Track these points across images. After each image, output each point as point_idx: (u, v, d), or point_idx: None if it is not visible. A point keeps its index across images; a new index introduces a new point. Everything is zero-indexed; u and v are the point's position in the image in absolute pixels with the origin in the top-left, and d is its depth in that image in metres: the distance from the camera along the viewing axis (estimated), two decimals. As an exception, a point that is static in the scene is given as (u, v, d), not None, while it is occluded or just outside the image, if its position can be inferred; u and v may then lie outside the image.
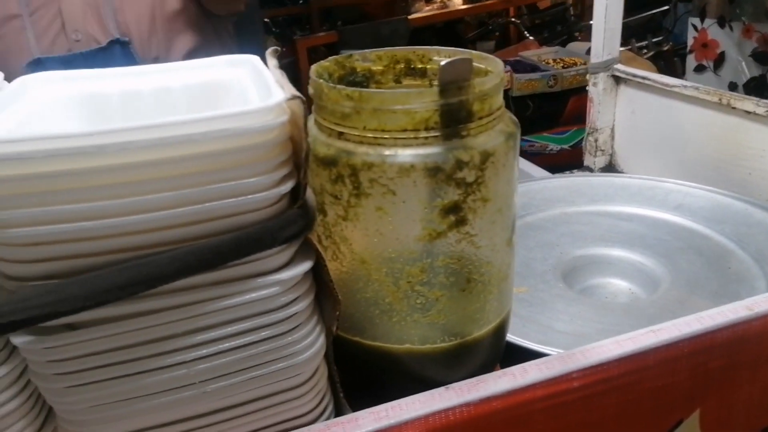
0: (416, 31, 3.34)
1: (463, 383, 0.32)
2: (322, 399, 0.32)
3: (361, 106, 0.30)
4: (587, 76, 0.99)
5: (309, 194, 0.29)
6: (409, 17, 3.21)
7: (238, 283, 0.27)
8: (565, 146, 2.19)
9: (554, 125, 2.24)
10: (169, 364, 0.26)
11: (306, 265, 0.28)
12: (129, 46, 0.87)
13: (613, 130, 1.00)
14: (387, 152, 0.30)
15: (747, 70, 1.47)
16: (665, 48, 2.43)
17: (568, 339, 0.54)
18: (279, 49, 0.37)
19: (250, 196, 0.26)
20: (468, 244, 0.33)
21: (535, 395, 0.33)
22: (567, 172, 0.98)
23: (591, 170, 1.03)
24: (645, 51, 2.47)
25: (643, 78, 0.91)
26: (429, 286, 0.33)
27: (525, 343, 0.50)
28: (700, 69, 1.58)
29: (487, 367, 0.38)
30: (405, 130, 0.30)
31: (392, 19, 3.01)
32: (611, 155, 1.02)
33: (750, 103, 0.74)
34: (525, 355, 0.51)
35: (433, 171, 0.30)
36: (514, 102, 2.19)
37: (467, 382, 0.32)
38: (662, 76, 0.89)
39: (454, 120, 0.31)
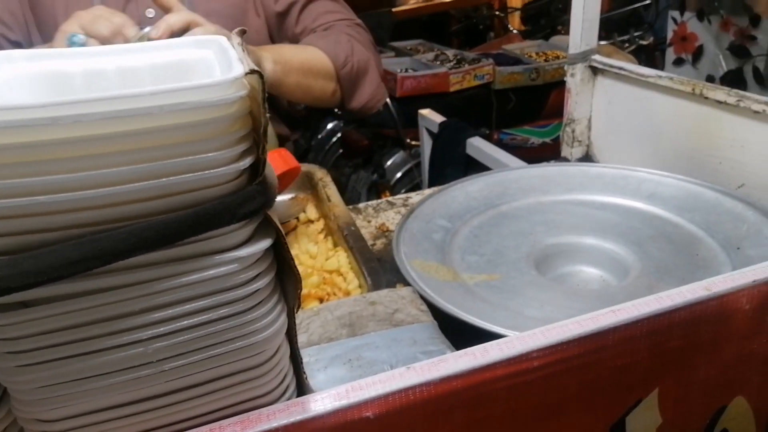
0: (402, 24, 3.34)
1: (424, 363, 0.33)
2: (284, 378, 0.32)
3: None
4: (565, 67, 1.00)
5: (268, 171, 0.28)
6: (394, 10, 3.20)
7: (196, 260, 0.27)
8: (547, 139, 2.21)
9: (536, 118, 2.25)
10: (125, 343, 0.26)
11: (266, 242, 0.28)
12: None
13: (590, 120, 1.01)
14: None
15: (724, 63, 1.49)
16: (647, 42, 2.45)
17: (537, 324, 0.54)
18: (245, 29, 0.37)
19: (208, 171, 0.26)
20: None
21: (496, 374, 0.33)
22: (544, 162, 0.99)
23: (568, 161, 1.04)
24: (627, 45, 2.49)
25: (620, 69, 0.91)
26: None
27: (493, 327, 0.51)
28: (678, 62, 1.60)
29: None
30: None
31: (376, 12, 3.01)
32: (588, 146, 1.03)
33: (722, 93, 0.75)
34: (493, 339, 0.51)
35: None
36: (496, 95, 2.20)
37: (428, 362, 0.33)
38: (638, 66, 0.90)
39: None
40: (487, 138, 2.24)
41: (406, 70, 2.16)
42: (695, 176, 0.76)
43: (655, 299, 0.36)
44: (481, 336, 0.52)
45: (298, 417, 0.30)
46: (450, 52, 2.31)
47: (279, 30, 0.97)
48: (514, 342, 0.34)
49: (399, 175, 2.26)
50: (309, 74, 0.87)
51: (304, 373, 0.34)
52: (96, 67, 0.37)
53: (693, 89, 0.79)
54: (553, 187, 0.80)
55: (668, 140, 0.86)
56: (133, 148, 0.25)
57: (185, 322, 0.27)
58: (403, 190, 2.22)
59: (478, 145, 1.27)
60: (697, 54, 1.53)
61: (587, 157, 1.03)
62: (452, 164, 1.36)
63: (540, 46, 2.45)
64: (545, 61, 2.24)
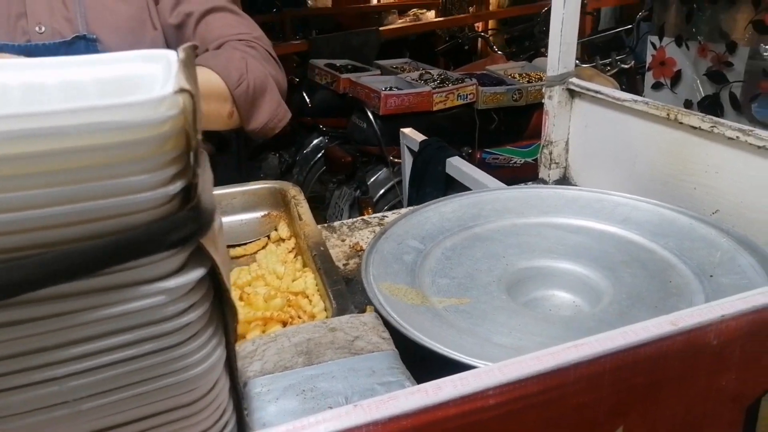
0: (389, 43, 3.36)
1: (372, 400, 0.31)
2: (222, 415, 0.30)
3: None
4: (543, 90, 0.99)
5: (206, 195, 0.27)
6: (381, 29, 3.22)
7: (119, 291, 0.25)
8: (529, 159, 2.21)
9: (518, 139, 2.26)
10: (38, 381, 0.24)
11: (197, 273, 0.26)
12: (95, 43, 0.84)
13: (567, 143, 1.01)
14: None
15: (702, 89, 1.50)
16: (628, 66, 2.48)
17: (504, 352, 0.53)
18: (196, 45, 0.35)
19: (134, 196, 0.24)
20: None
21: (449, 413, 0.31)
22: (522, 184, 0.98)
23: (545, 182, 1.03)
24: (609, 68, 2.51)
25: (596, 92, 0.91)
26: None
27: (458, 356, 0.49)
28: (657, 86, 1.61)
29: None
30: None
31: (363, 30, 3.02)
32: (565, 168, 1.02)
33: (696, 119, 0.74)
34: (457, 368, 0.49)
35: None
36: (479, 115, 2.20)
37: (376, 400, 0.31)
38: (614, 90, 0.90)
39: None
40: (470, 157, 2.24)
41: (391, 89, 2.16)
42: (670, 201, 0.76)
43: (619, 334, 0.35)
44: (446, 364, 0.50)
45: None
46: (434, 72, 2.32)
47: (177, 44, 0.91)
48: (469, 378, 0.32)
49: (382, 191, 2.25)
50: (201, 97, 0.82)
51: (245, 408, 0.31)
52: (36, 81, 0.35)
53: (668, 114, 0.78)
54: (528, 210, 0.79)
55: (644, 164, 0.86)
56: (47, 170, 0.23)
57: (106, 358, 0.25)
58: (385, 207, 2.20)
59: (458, 165, 1.26)
60: (676, 79, 1.55)
61: (564, 179, 1.03)
62: (432, 183, 1.35)
63: (524, 68, 2.46)
64: (528, 82, 2.25)
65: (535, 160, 2.31)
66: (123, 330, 0.25)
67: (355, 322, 0.48)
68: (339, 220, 0.88)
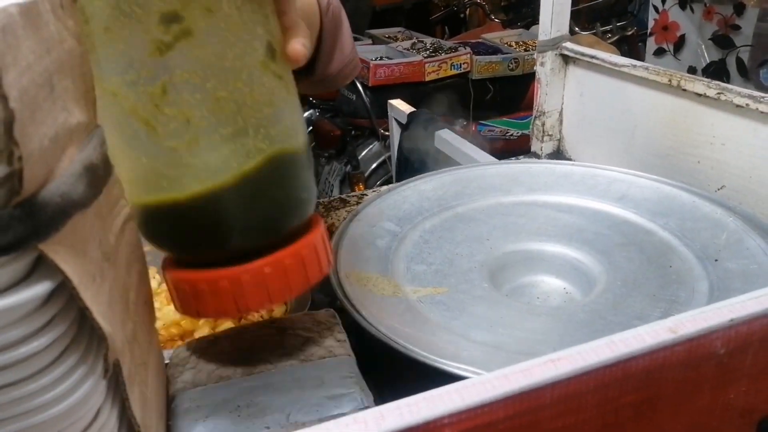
0: (385, 11, 3.25)
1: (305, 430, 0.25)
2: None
3: None
4: (535, 56, 0.92)
5: (55, 185, 0.20)
6: (375, -4, 3.11)
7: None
8: (526, 131, 2.13)
9: (515, 110, 2.18)
10: None
11: (36, 290, 0.19)
12: None
13: (561, 113, 0.94)
14: None
15: (707, 54, 1.42)
16: (629, 32, 2.38)
17: (481, 351, 0.47)
18: None
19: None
20: (202, 58, 0.33)
21: (394, 448, 0.25)
22: (513, 158, 0.91)
23: (538, 156, 0.96)
24: (609, 35, 2.42)
25: (592, 57, 0.84)
26: (176, 107, 0.32)
27: (427, 357, 0.43)
28: (659, 52, 1.53)
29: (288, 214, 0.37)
30: None
31: (353, -4, 2.91)
32: (559, 140, 0.96)
33: (701, 85, 0.67)
34: (426, 371, 0.44)
35: None
36: (473, 85, 2.12)
37: (308, 430, 0.25)
38: (611, 55, 0.82)
39: None
40: (465, 129, 2.17)
41: (381, 59, 2.08)
42: (671, 176, 0.69)
43: (606, 345, 0.29)
44: (415, 366, 0.45)
45: None
46: (428, 41, 2.23)
47: None
48: (420, 404, 0.26)
49: (374, 166, 2.18)
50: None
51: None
52: None
53: (670, 80, 0.71)
54: (516, 187, 0.72)
55: (643, 136, 0.79)
56: None
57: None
58: (378, 183, 2.14)
59: (447, 138, 1.19)
60: (679, 44, 1.46)
61: (558, 153, 0.96)
62: (421, 158, 1.28)
63: (521, 36, 2.37)
64: (525, 50, 2.16)
65: (532, 132, 2.24)
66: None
67: (309, 322, 0.42)
68: (329, 196, 0.81)
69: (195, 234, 0.35)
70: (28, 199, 0.19)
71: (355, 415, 0.26)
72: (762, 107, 0.61)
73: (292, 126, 0.37)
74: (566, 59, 0.89)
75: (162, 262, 0.38)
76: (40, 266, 0.20)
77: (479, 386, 0.27)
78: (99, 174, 0.24)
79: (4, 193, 0.18)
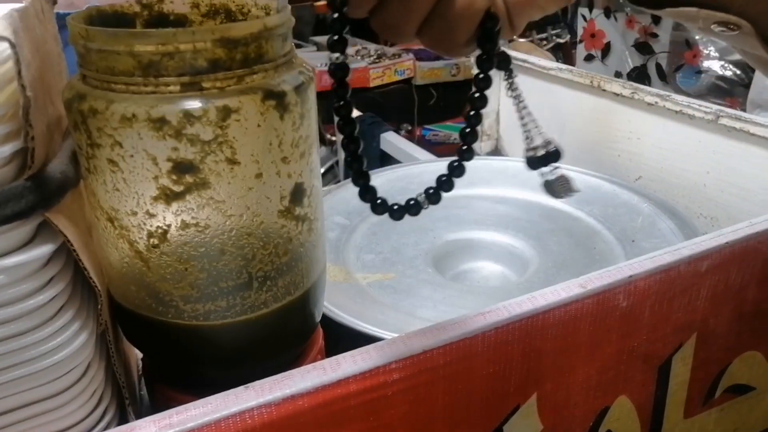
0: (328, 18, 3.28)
1: (266, 381, 0.28)
2: (98, 405, 0.27)
3: (88, 44, 0.26)
4: (472, 59, 0.98)
5: (57, 165, 0.23)
6: (316, 4, 3.14)
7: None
8: (468, 135, 2.21)
9: (458, 114, 2.25)
10: None
11: (43, 250, 0.23)
12: None
13: (498, 114, 1.00)
14: (114, 98, 0.26)
15: (630, 60, 1.53)
16: (564, 40, 2.51)
17: (427, 326, 0.52)
18: None
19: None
20: (214, 212, 0.29)
21: (349, 390, 0.29)
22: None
23: (477, 155, 1.03)
24: (545, 42, 2.54)
25: (523, 61, 0.91)
26: (175, 255, 0.29)
27: (378, 332, 0.47)
28: (589, 58, 1.63)
29: (286, 350, 0.35)
30: (132, 74, 0.26)
31: (296, 5, 2.94)
32: (497, 140, 1.02)
33: (617, 86, 0.75)
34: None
35: (158, 123, 0.26)
36: (417, 90, 2.18)
37: (270, 380, 0.29)
38: (540, 59, 0.89)
39: (188, 68, 0.27)
40: (410, 134, 2.23)
41: (325, 65, 2.11)
42: (596, 169, 0.76)
43: (528, 299, 0.34)
44: (367, 341, 0.49)
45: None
46: (372, 47, 2.28)
47: None
48: (371, 352, 0.30)
49: (322, 171, 2.21)
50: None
51: (127, 398, 0.29)
52: None
53: (591, 82, 0.78)
54: (457, 182, 0.78)
55: (571, 133, 0.86)
56: None
57: (-60, 350, 0.22)
58: (325, 187, 2.17)
59: (392, 141, 1.24)
60: (606, 50, 1.57)
61: (497, 151, 1.02)
62: (367, 160, 1.33)
63: (461, 43, 2.45)
64: (466, 57, 2.24)
65: (474, 135, 2.32)
66: (-43, 318, 0.22)
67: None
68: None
69: (173, 356, 0.32)
70: (36, 173, 0.22)
71: (314, 364, 0.30)
72: (669, 105, 0.69)
73: (307, 268, 0.34)
74: (501, 64, 0.96)
75: None
76: (42, 232, 0.23)
77: (420, 336, 0.31)
78: (78, 161, 0.27)
79: (19, 166, 0.21)
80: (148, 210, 0.28)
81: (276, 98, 0.29)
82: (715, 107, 0.63)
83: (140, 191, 0.28)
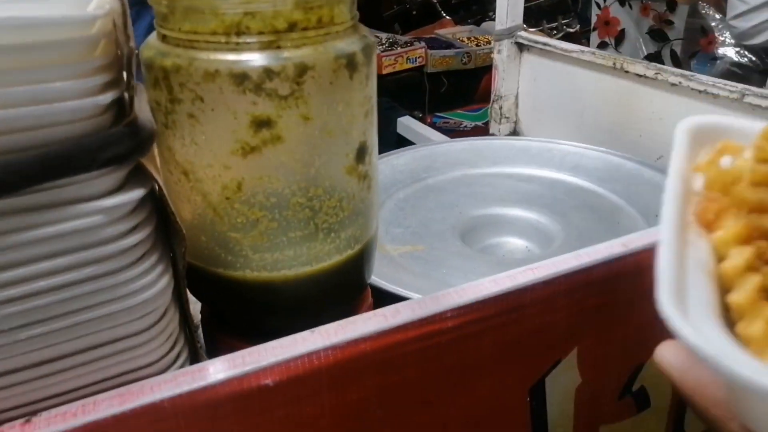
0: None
1: (330, 326, 0.30)
2: (173, 346, 0.28)
3: (173, 4, 0.28)
4: (492, 44, 0.99)
5: (145, 113, 0.25)
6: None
7: (51, 210, 0.23)
8: (479, 123, 2.22)
9: (468, 102, 2.26)
10: (-36, 307, 0.22)
11: (137, 193, 0.24)
12: None
13: (517, 97, 1.01)
14: (196, 55, 0.28)
15: (644, 47, 1.53)
16: (574, 29, 2.51)
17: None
18: None
19: (58, 104, 0.22)
20: (286, 165, 0.30)
21: (407, 336, 0.31)
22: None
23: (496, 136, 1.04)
24: (555, 32, 2.54)
25: (545, 44, 0.92)
26: (248, 205, 0.31)
27: (415, 296, 0.49)
28: (603, 46, 1.64)
29: (343, 303, 0.37)
30: (215, 33, 0.28)
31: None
32: (516, 122, 1.03)
33: (641, 67, 0.76)
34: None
35: (240, 78, 0.28)
36: (429, 79, 2.19)
37: (335, 324, 0.30)
38: (562, 42, 0.90)
39: (268, 28, 0.29)
40: (421, 121, 2.24)
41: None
42: (617, 149, 0.77)
43: (573, 257, 0.35)
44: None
45: (187, 388, 0.27)
46: (383, 36, 2.28)
47: None
48: (427, 302, 0.32)
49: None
50: None
51: (199, 342, 0.30)
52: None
53: (614, 63, 0.79)
54: (480, 161, 0.79)
55: (592, 114, 0.87)
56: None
57: (42, 283, 0.23)
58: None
59: (409, 125, 1.25)
60: (620, 38, 1.58)
61: (515, 134, 1.03)
62: (383, 143, 1.34)
63: (471, 32, 2.46)
64: (477, 45, 2.25)
65: (485, 123, 2.33)
66: (60, 253, 0.23)
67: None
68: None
69: (239, 306, 0.34)
70: (131, 121, 0.23)
71: (375, 311, 0.31)
72: (693, 85, 0.70)
73: (366, 223, 0.35)
74: (521, 47, 0.97)
75: None
76: (132, 178, 0.25)
77: (474, 288, 0.33)
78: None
79: (115, 114, 0.23)
80: (224, 163, 0.29)
81: (346, 58, 0.31)
82: (741, 86, 0.64)
83: (218, 145, 0.29)
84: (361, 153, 0.34)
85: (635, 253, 0.36)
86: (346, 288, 0.36)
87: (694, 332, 0.19)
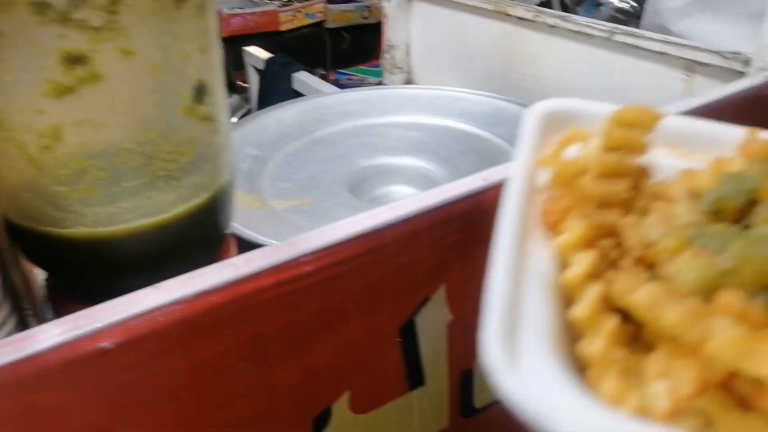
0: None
1: (175, 279, 0.28)
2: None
3: None
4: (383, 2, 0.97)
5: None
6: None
7: None
8: (383, 78, 2.21)
9: (371, 58, 2.23)
10: None
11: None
12: None
13: (408, 46, 1.00)
14: None
15: (535, -5, 1.57)
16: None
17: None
18: None
19: None
20: (110, 107, 0.28)
21: (262, 285, 0.29)
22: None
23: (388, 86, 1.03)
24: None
25: (431, -10, 0.91)
26: (70, 155, 0.28)
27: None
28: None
29: (198, 257, 0.34)
30: None
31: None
32: (408, 72, 1.02)
33: (521, 9, 0.77)
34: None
35: (41, 7, 0.25)
36: (329, 34, 2.14)
37: (181, 278, 0.28)
38: (447, -13, 0.89)
39: None
40: (324, 79, 2.19)
41: (233, 9, 2.02)
42: (504, 93, 0.78)
43: (434, 193, 0.35)
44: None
45: (11, 358, 0.24)
46: (279, -10, 2.20)
47: None
48: (282, 248, 0.30)
49: (235, 120, 2.14)
50: None
51: (29, 308, 0.28)
52: None
53: (496, 7, 0.80)
54: (370, 111, 0.78)
55: (479, 60, 0.88)
56: None
57: None
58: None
59: (305, 80, 1.21)
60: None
61: (408, 83, 1.03)
62: (280, 100, 1.30)
63: (372, -15, 2.41)
64: (377, -2, 2.21)
65: (389, 78, 2.31)
66: None
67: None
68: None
69: (81, 271, 0.31)
70: None
71: (225, 261, 0.30)
72: (569, 26, 0.72)
73: (214, 169, 0.33)
74: (409, -6, 0.95)
75: None
76: None
77: (332, 230, 0.32)
78: None
79: None
80: (37, 107, 0.26)
81: None
82: (611, 25, 0.66)
83: (28, 86, 0.26)
84: (200, 92, 0.31)
85: (495, 187, 0.36)
86: (199, 241, 0.34)
87: (519, 383, 0.16)
